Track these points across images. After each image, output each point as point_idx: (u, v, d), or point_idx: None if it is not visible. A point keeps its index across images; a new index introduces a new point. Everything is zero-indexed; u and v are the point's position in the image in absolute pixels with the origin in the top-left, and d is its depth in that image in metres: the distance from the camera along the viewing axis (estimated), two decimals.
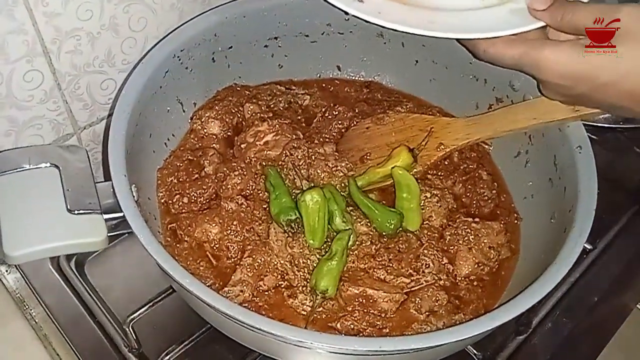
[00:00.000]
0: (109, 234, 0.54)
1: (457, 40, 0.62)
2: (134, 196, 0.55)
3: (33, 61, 0.63)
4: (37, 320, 0.70)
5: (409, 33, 0.58)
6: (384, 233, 0.66)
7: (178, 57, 0.68)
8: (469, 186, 0.72)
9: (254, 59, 0.78)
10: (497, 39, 0.58)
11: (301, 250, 0.63)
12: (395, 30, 0.57)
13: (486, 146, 0.77)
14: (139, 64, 0.65)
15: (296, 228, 0.64)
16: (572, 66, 0.53)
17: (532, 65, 0.56)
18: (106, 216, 0.54)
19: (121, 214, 0.53)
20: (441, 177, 0.73)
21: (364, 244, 0.65)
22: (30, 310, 0.71)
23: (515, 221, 0.72)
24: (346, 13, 0.60)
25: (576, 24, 0.53)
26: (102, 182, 0.56)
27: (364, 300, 0.61)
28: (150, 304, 0.64)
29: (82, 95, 0.71)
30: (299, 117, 0.77)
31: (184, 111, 0.74)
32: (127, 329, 0.63)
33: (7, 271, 0.74)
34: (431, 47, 0.78)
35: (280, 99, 0.78)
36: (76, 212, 0.53)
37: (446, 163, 0.74)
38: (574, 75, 0.54)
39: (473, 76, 0.76)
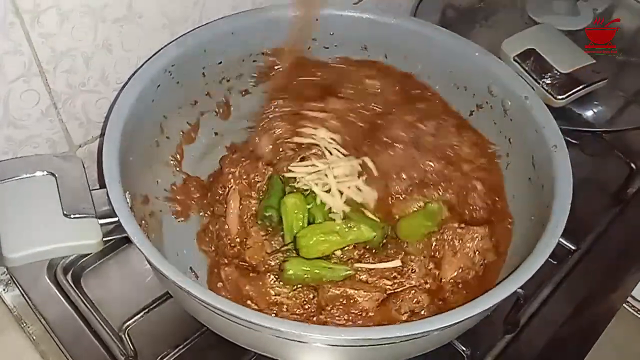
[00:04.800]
0: (104, 239, 0.56)
1: None
2: (127, 202, 0.57)
3: (30, 81, 0.65)
4: (35, 337, 0.71)
5: None
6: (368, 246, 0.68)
7: (169, 72, 0.70)
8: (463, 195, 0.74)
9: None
10: None
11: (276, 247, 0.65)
12: None
13: None
14: (131, 78, 0.67)
15: (275, 226, 0.66)
16: None
17: None
18: (101, 221, 0.56)
19: (116, 219, 0.55)
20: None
21: (347, 249, 0.67)
22: (28, 327, 0.72)
23: (508, 225, 0.72)
24: None
25: None
26: (97, 189, 0.58)
27: (344, 300, 0.63)
28: (146, 310, 0.66)
29: (77, 114, 0.73)
30: None
31: None
32: (122, 336, 0.65)
33: (4, 290, 0.75)
34: (412, 59, 0.80)
35: None
36: (72, 216, 0.55)
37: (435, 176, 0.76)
38: None
39: (454, 84, 0.79)
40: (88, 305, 0.72)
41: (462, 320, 0.50)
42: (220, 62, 0.76)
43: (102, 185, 0.58)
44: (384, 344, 0.51)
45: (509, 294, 0.52)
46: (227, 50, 0.75)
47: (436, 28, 0.78)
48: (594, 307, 0.79)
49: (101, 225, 0.56)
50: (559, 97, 0.80)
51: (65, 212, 0.55)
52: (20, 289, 0.73)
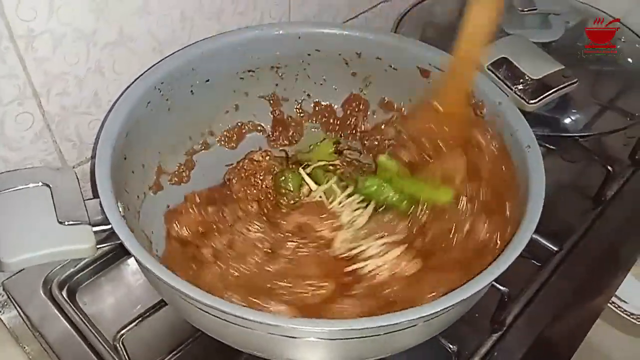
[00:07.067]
0: (97, 246, 0.58)
1: None
2: (120, 210, 0.59)
3: (24, 104, 0.67)
4: (31, 357, 0.72)
5: None
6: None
7: (159, 89, 0.73)
8: None
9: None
10: None
11: None
12: None
13: None
14: (122, 94, 0.70)
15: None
16: None
17: None
18: (95, 228, 0.58)
19: (109, 226, 0.56)
20: None
21: None
22: (25, 347, 0.73)
23: None
24: None
25: None
26: (90, 199, 0.60)
27: None
28: (139, 319, 0.67)
29: (70, 135, 0.75)
30: None
31: None
32: (117, 345, 0.66)
33: (0, 311, 0.77)
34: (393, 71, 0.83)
35: None
36: (66, 223, 0.57)
37: None
38: None
39: None
40: (83, 319, 0.73)
41: (442, 310, 0.51)
42: (208, 80, 0.79)
43: (96, 195, 0.59)
44: (368, 336, 0.52)
45: (485, 285, 0.53)
46: (215, 68, 0.78)
47: (413, 42, 0.81)
48: (579, 307, 0.80)
49: (95, 232, 0.57)
50: (531, 101, 0.83)
51: (59, 220, 0.57)
52: (16, 305, 0.75)
